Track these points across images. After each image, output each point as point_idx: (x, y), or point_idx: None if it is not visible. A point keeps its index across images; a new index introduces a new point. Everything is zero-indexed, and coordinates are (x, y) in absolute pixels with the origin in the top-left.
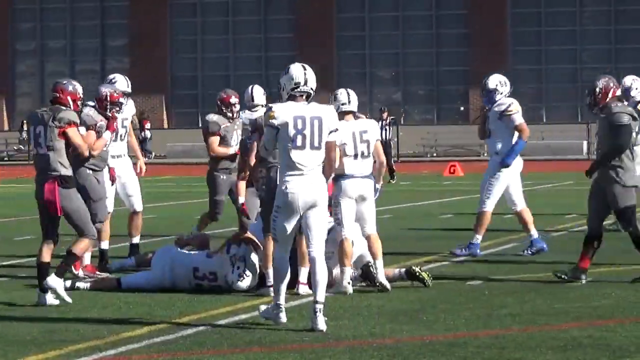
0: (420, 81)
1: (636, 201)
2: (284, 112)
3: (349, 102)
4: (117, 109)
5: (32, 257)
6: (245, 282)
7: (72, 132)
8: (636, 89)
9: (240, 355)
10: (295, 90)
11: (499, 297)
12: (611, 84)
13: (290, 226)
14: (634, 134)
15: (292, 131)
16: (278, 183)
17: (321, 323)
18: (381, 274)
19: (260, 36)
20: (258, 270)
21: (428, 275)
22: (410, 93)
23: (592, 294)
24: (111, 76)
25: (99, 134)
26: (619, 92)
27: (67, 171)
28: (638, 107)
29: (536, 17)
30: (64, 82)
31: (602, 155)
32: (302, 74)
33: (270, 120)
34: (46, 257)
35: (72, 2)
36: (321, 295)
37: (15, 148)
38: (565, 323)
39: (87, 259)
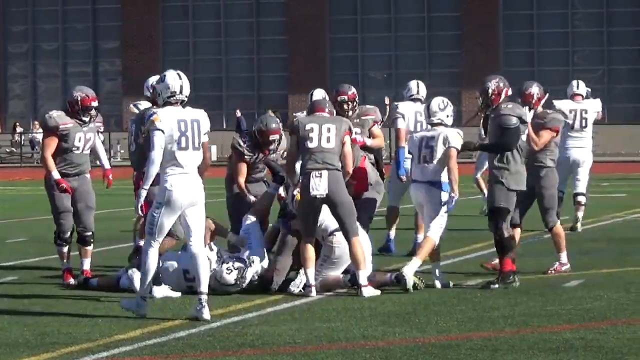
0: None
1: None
2: (168, 116)
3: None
4: (89, 113)
5: (24, 259)
6: (232, 275)
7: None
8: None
9: (232, 357)
10: (172, 98)
11: (491, 299)
12: (501, 85)
13: (169, 222)
14: (523, 137)
15: (176, 134)
16: (162, 182)
17: (206, 313)
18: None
19: (252, 39)
20: (252, 268)
21: (420, 279)
22: (402, 95)
23: (585, 296)
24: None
25: (62, 138)
26: (510, 92)
27: None
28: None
29: (528, 19)
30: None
31: (486, 145)
32: (178, 83)
33: (155, 124)
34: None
35: (64, 4)
36: (204, 286)
37: (7, 150)
38: (558, 325)
39: (86, 264)
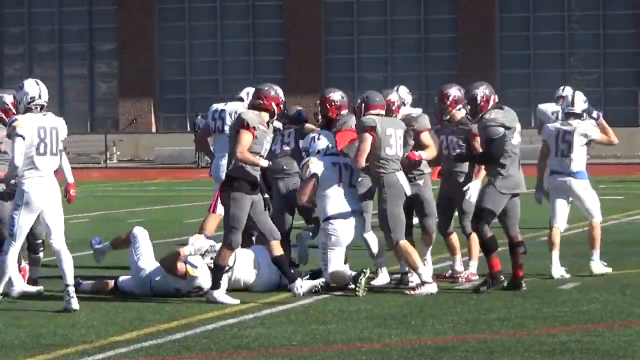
0: (409, 85)
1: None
2: (28, 123)
3: (573, 105)
4: None
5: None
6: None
7: (242, 133)
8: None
9: (228, 359)
10: (31, 103)
11: (487, 301)
12: (488, 92)
13: (28, 223)
14: (513, 140)
15: (36, 140)
16: (20, 185)
17: (75, 304)
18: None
19: (248, 40)
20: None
21: (364, 285)
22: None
23: (580, 299)
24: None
25: None
26: (496, 99)
27: (238, 172)
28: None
29: (524, 22)
30: (265, 87)
31: (475, 156)
32: (36, 89)
33: (17, 130)
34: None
35: (60, 6)
36: (70, 279)
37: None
38: (554, 327)
39: (34, 273)
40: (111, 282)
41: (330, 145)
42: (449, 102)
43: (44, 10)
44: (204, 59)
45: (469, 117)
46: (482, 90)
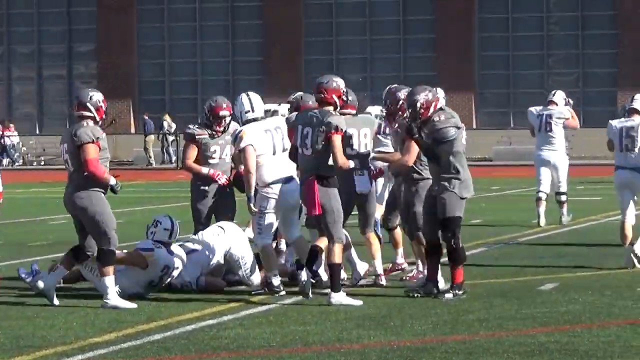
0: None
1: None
2: None
3: (632, 101)
4: None
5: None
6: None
7: (336, 139)
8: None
9: None
10: None
11: (467, 302)
12: (431, 97)
13: None
14: (464, 140)
15: None
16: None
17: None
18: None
19: (227, 41)
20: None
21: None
22: (378, 98)
23: (559, 300)
24: None
25: None
26: (440, 103)
27: (328, 171)
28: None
29: (503, 23)
30: (325, 80)
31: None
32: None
33: None
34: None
35: (39, 7)
36: None
37: None
38: (533, 328)
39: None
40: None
41: (252, 108)
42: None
43: (23, 12)
44: (183, 59)
45: (406, 121)
46: (424, 96)
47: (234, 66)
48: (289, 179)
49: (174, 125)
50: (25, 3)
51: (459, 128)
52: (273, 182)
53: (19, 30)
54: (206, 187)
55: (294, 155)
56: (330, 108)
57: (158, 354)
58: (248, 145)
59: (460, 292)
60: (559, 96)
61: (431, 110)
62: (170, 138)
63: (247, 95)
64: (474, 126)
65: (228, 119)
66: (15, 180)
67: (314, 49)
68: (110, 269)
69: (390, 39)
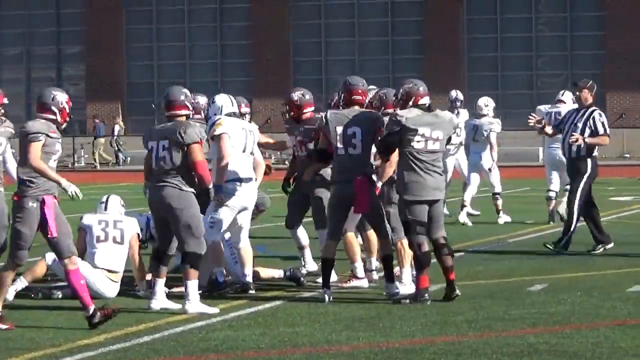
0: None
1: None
2: None
3: None
4: None
5: None
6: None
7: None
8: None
9: None
10: None
11: (455, 303)
12: (413, 90)
13: None
14: (416, 144)
15: None
16: None
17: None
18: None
19: (216, 43)
20: None
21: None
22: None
23: (548, 300)
24: None
25: None
26: (424, 100)
27: (372, 170)
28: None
29: (492, 24)
30: (361, 83)
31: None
32: None
33: None
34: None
35: (28, 9)
36: None
37: None
38: (522, 329)
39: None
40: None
41: (232, 103)
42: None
43: (12, 13)
44: (172, 61)
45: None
46: (404, 88)
47: (223, 68)
48: (251, 180)
49: (123, 129)
50: (15, 5)
51: (410, 130)
52: (238, 180)
53: (7, 32)
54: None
55: (321, 155)
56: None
57: (147, 355)
58: (224, 133)
59: (422, 299)
60: (568, 96)
61: (410, 103)
62: (122, 141)
63: (227, 94)
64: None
65: (248, 117)
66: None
67: (302, 50)
68: (196, 273)
69: (379, 41)
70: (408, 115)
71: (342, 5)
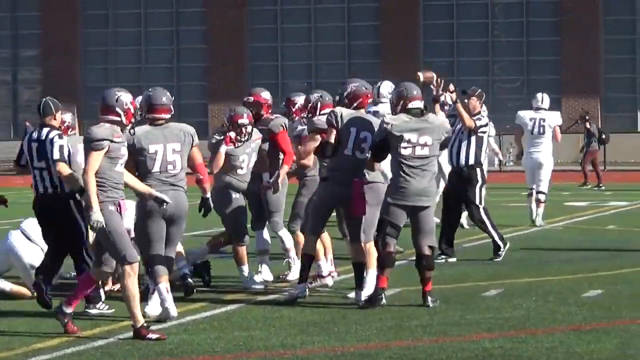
0: (333, 92)
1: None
2: None
3: None
4: None
5: None
6: None
7: None
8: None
9: None
10: None
11: (411, 307)
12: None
13: None
14: (403, 150)
15: None
16: None
17: None
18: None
19: (172, 47)
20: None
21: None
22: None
23: (503, 305)
24: None
25: None
26: (413, 104)
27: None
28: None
29: (448, 29)
30: (357, 84)
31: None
32: None
33: None
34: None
35: None
36: None
37: None
38: (477, 334)
39: None
40: None
41: None
42: (294, 109)
43: None
44: (128, 65)
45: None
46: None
47: (179, 72)
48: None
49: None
50: None
51: (391, 133)
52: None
53: None
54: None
55: (327, 151)
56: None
57: (102, 359)
58: None
59: (378, 299)
60: (547, 101)
61: (399, 107)
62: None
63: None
64: None
65: (249, 128)
66: None
67: (258, 55)
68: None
69: (335, 45)
70: (394, 122)
71: (298, 10)
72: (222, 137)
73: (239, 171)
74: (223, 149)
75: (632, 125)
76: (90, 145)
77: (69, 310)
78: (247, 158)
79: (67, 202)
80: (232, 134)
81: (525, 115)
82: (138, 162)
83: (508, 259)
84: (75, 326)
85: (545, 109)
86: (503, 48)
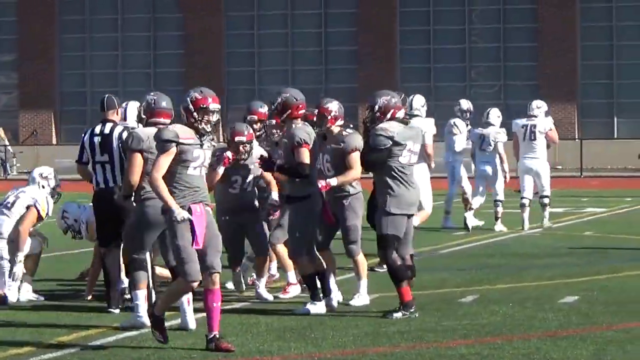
0: (309, 98)
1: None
2: None
3: None
4: None
5: None
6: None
7: None
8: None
9: None
10: None
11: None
12: (392, 102)
13: None
14: (401, 159)
15: None
16: None
17: None
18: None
19: (149, 53)
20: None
21: None
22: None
23: (480, 312)
24: None
25: None
26: (400, 112)
27: None
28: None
29: (425, 35)
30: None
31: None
32: None
33: None
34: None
35: None
36: None
37: None
38: (453, 340)
39: None
40: None
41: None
42: (329, 118)
43: None
44: (105, 70)
45: (367, 123)
46: (384, 100)
47: (156, 77)
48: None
49: (7, 140)
50: None
51: (398, 144)
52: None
53: None
54: None
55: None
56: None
57: None
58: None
59: (412, 311)
60: (541, 108)
61: (388, 116)
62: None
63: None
64: None
65: (247, 147)
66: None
67: (235, 60)
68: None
69: (312, 51)
70: (396, 129)
71: (275, 15)
72: (221, 155)
73: (231, 190)
74: (220, 169)
75: (608, 131)
76: (159, 146)
77: (214, 333)
78: (240, 179)
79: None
80: (230, 154)
81: (518, 122)
82: (145, 161)
83: (485, 265)
84: (229, 343)
85: (536, 116)
86: (480, 54)
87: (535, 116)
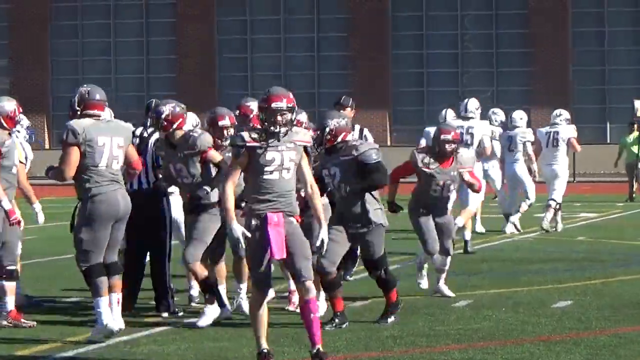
0: (302, 104)
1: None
2: None
3: None
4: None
5: None
6: None
7: None
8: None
9: None
10: None
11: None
12: (342, 124)
13: None
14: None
15: None
16: None
17: None
18: None
19: (142, 58)
20: None
21: None
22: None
23: (473, 316)
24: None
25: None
26: (350, 135)
27: None
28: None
29: (417, 40)
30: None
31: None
32: None
33: None
34: None
35: None
36: None
37: None
38: (446, 345)
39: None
40: None
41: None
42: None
43: None
44: (98, 76)
45: (315, 144)
46: (335, 122)
47: (149, 82)
48: None
49: None
50: None
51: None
52: None
53: None
54: None
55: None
56: None
57: None
58: None
59: (399, 308)
60: (564, 116)
61: (339, 139)
62: None
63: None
64: (389, 143)
65: (231, 130)
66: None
67: (228, 65)
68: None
69: (305, 56)
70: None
71: (268, 20)
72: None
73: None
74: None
75: (601, 136)
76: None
77: (317, 346)
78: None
79: (160, 199)
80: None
81: (542, 130)
82: (84, 154)
83: (478, 269)
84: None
85: (559, 124)
86: (473, 59)
87: (558, 124)
